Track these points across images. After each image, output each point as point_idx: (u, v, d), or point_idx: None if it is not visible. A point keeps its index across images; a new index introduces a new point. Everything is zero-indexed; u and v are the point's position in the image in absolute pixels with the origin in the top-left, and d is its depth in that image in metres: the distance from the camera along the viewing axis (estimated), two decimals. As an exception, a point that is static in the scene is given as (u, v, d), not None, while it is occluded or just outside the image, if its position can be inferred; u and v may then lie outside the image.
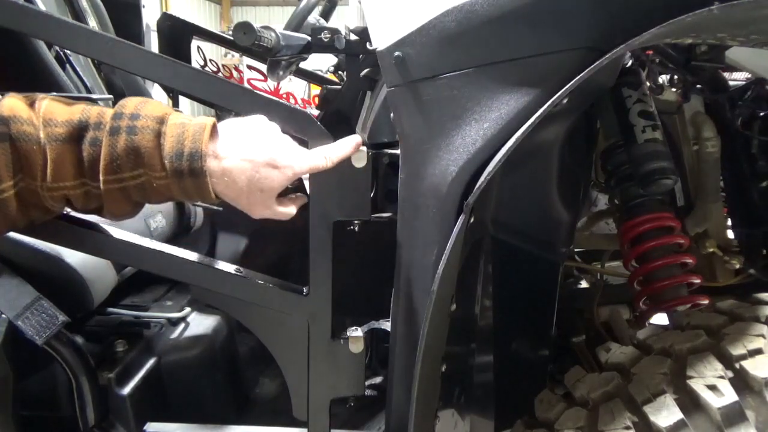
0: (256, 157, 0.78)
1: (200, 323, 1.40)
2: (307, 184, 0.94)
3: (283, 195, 0.85)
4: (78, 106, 0.78)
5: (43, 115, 0.75)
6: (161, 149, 0.76)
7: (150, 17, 2.12)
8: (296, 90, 8.02)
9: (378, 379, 1.17)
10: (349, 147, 0.85)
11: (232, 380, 1.47)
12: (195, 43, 1.99)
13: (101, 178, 0.76)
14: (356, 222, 0.93)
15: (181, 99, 1.92)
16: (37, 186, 0.76)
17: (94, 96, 1.63)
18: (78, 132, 0.76)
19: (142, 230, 1.44)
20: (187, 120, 0.78)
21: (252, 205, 0.82)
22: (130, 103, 0.79)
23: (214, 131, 0.78)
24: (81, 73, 1.66)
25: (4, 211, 0.77)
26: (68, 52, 1.63)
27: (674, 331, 0.99)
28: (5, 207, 0.76)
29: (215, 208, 1.61)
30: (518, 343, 1.18)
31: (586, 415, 0.92)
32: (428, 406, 0.96)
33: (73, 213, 0.90)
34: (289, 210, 0.85)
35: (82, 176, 0.77)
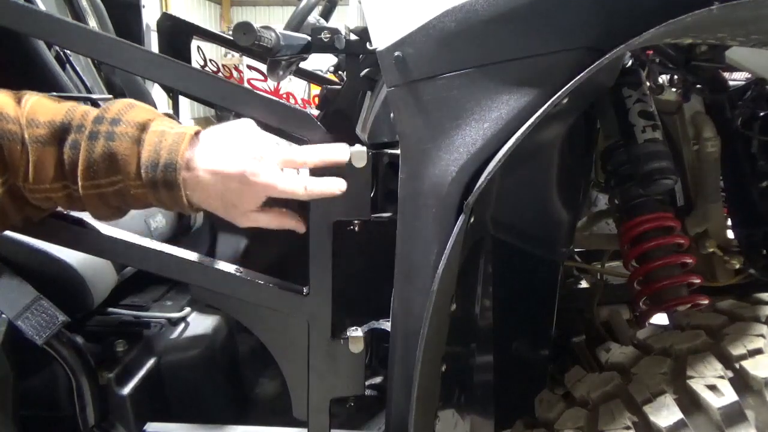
0: (227, 171, 0.76)
1: (200, 323, 1.40)
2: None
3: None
4: (64, 105, 0.77)
5: (27, 114, 0.74)
6: (139, 157, 0.75)
7: (150, 17, 2.12)
8: (296, 90, 8.02)
9: (378, 379, 1.17)
10: (333, 187, 0.83)
11: (232, 380, 1.47)
12: (195, 43, 1.99)
13: (79, 183, 0.75)
14: (356, 222, 0.93)
15: (181, 99, 1.92)
16: (20, 186, 0.76)
17: (94, 96, 1.63)
18: (60, 134, 0.75)
19: (142, 230, 1.44)
20: (169, 128, 0.77)
21: (233, 218, 0.81)
22: (114, 107, 0.77)
23: (194, 141, 0.77)
24: (81, 73, 1.66)
25: None
26: (68, 52, 1.63)
27: (674, 331, 0.99)
28: None
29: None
30: (518, 343, 1.18)
31: (586, 415, 0.92)
32: (428, 406, 0.96)
33: (72, 212, 0.90)
34: (275, 220, 0.83)
35: (64, 179, 0.76)
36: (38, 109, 0.75)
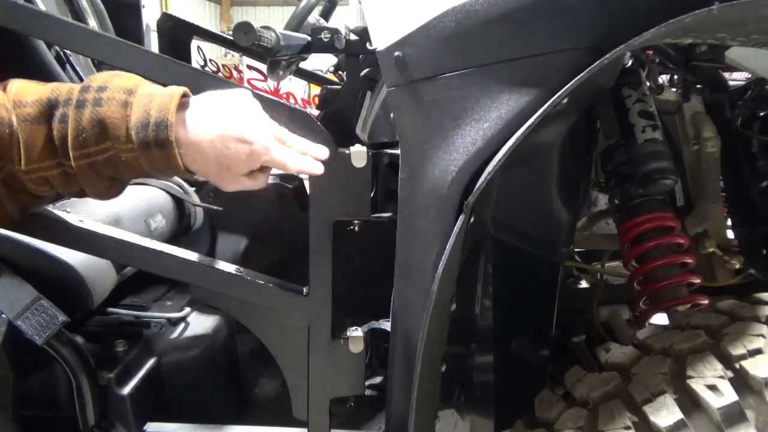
0: (227, 130, 0.75)
1: (200, 323, 1.40)
2: (307, 184, 0.94)
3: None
4: (49, 85, 0.76)
5: (14, 96, 0.74)
6: (128, 120, 0.74)
7: (150, 17, 2.12)
8: (296, 90, 8.02)
9: (378, 379, 1.17)
10: (314, 168, 0.83)
11: (231, 380, 1.47)
12: (195, 43, 1.99)
13: (70, 154, 0.74)
14: (356, 222, 0.93)
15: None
16: (15, 170, 0.75)
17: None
18: (48, 111, 0.74)
19: (142, 230, 1.44)
20: (158, 89, 0.76)
21: (221, 180, 0.80)
22: (99, 77, 0.76)
23: (184, 100, 0.76)
24: (81, 73, 1.66)
25: None
26: (68, 52, 1.63)
27: (674, 331, 0.99)
28: None
29: (215, 208, 1.61)
30: (518, 343, 1.18)
31: (586, 415, 0.92)
32: (428, 406, 0.96)
33: (72, 212, 0.90)
34: (258, 182, 0.82)
35: (56, 156, 0.75)
36: (24, 91, 0.75)
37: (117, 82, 0.76)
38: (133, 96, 0.75)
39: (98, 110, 0.73)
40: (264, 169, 0.83)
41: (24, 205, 0.81)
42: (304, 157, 0.83)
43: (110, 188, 0.81)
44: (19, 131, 0.73)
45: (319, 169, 0.84)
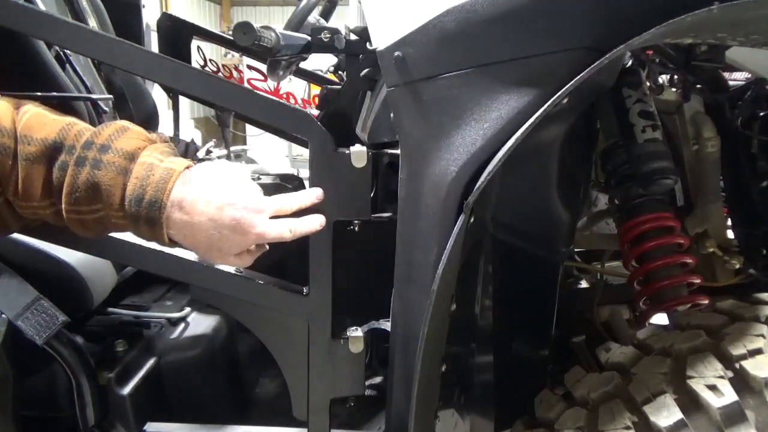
0: (223, 219, 0.76)
1: (200, 323, 1.40)
2: (307, 183, 0.94)
3: None
4: (60, 122, 0.76)
5: (22, 129, 0.74)
6: (123, 188, 0.74)
7: (150, 17, 2.12)
8: (296, 90, 8.00)
9: (378, 379, 1.17)
10: (313, 226, 0.85)
11: (232, 380, 1.47)
12: (195, 43, 1.99)
13: (62, 206, 0.75)
14: (356, 222, 0.93)
15: (181, 99, 1.92)
16: (11, 200, 0.76)
17: (94, 96, 1.63)
18: (51, 153, 0.74)
19: (142, 230, 1.44)
20: (158, 160, 0.76)
21: (209, 257, 0.82)
22: (106, 131, 0.76)
23: (184, 179, 0.76)
24: (81, 73, 1.66)
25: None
26: (68, 52, 1.63)
27: (674, 331, 0.99)
28: None
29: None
30: (518, 343, 1.18)
31: (586, 415, 0.92)
32: (428, 406, 0.96)
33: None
34: (245, 261, 0.84)
35: (51, 197, 0.76)
36: (34, 124, 0.75)
37: (120, 143, 0.76)
38: (134, 163, 0.75)
39: (95, 173, 0.73)
40: (253, 252, 0.84)
41: (26, 223, 0.82)
42: (301, 223, 0.84)
43: (97, 236, 0.82)
44: (19, 168, 0.73)
45: (318, 225, 0.86)
